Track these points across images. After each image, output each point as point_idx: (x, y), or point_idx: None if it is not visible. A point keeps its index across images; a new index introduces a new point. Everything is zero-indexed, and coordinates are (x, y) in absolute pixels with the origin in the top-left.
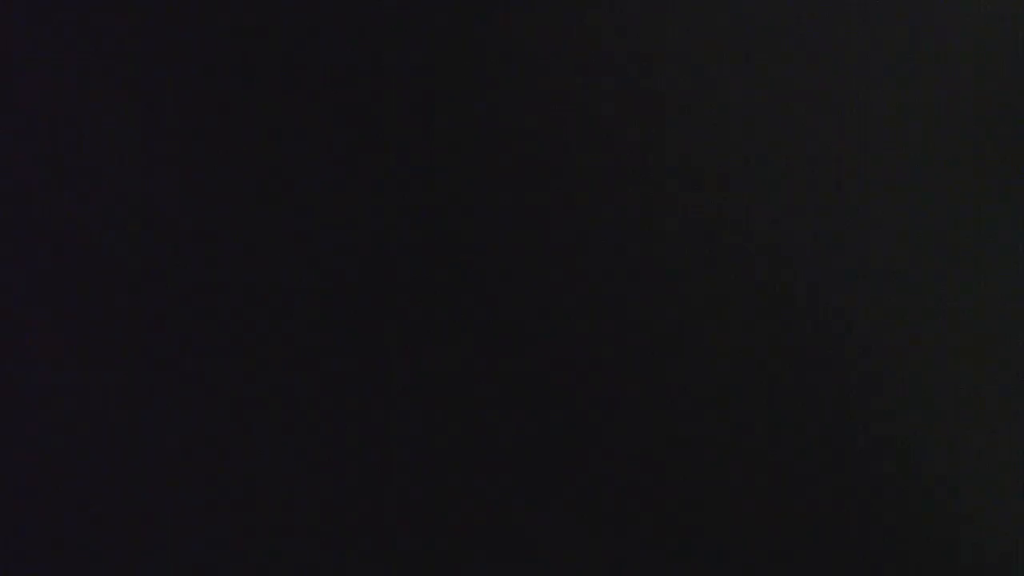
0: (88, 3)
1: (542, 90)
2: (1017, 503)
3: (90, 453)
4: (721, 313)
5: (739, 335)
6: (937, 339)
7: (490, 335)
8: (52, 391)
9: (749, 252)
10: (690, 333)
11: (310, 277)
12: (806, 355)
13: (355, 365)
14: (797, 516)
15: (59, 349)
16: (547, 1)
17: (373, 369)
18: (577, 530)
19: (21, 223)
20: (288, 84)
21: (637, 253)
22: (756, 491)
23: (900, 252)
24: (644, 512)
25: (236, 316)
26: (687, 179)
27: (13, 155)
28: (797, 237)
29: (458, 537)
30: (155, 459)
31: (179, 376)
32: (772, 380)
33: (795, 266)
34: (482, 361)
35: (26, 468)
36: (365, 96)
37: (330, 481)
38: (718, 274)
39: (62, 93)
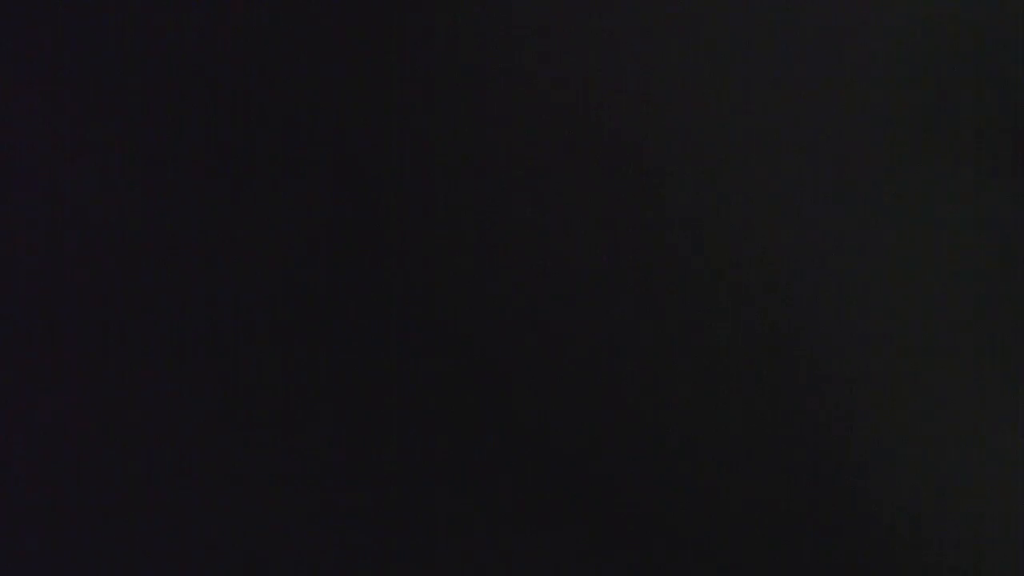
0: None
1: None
2: (1013, 508)
3: (80, 458)
4: (710, 307)
5: (729, 333)
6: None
7: (483, 339)
8: (46, 396)
9: (736, 250)
10: (677, 331)
11: (302, 279)
12: (794, 358)
13: (343, 368)
14: (790, 525)
15: (54, 352)
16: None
17: (359, 372)
18: (558, 537)
19: (14, 225)
20: (274, 83)
21: (616, 250)
22: (748, 495)
23: (887, 249)
24: (626, 517)
25: (226, 317)
26: (673, 178)
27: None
28: (782, 230)
29: (449, 539)
30: (148, 461)
31: (169, 379)
32: (763, 384)
33: (782, 260)
34: (474, 366)
35: (24, 470)
36: (354, 95)
37: (321, 483)
38: (704, 273)
39: (45, 97)
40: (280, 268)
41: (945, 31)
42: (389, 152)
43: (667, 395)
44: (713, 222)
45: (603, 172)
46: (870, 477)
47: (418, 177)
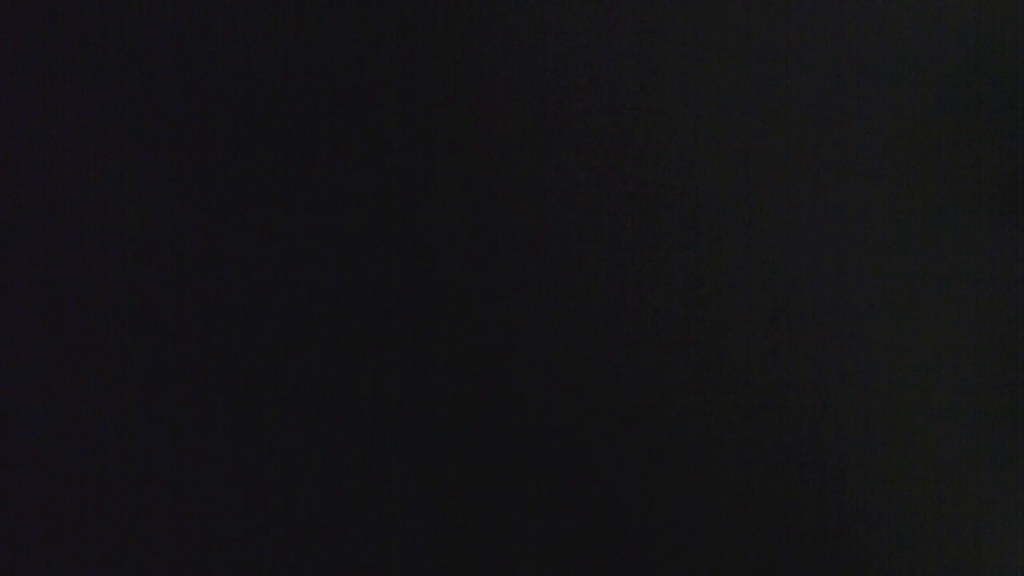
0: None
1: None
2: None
3: (82, 459)
4: (708, 315)
5: (727, 339)
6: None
7: (485, 343)
8: (46, 397)
9: (743, 253)
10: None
11: (304, 281)
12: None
13: (347, 368)
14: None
15: (53, 354)
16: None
17: (363, 371)
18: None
19: (15, 228)
20: (275, 85)
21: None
22: (746, 501)
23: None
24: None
25: (227, 320)
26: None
27: (7, 160)
28: (784, 233)
29: (448, 542)
30: (148, 464)
31: (169, 383)
32: (762, 389)
33: (781, 265)
34: (474, 368)
35: (23, 472)
36: (357, 98)
37: (319, 485)
38: (709, 278)
39: (50, 98)
40: (286, 268)
41: (948, 34)
42: (388, 152)
43: (664, 402)
44: (711, 228)
45: (603, 174)
46: (869, 484)
47: (419, 177)
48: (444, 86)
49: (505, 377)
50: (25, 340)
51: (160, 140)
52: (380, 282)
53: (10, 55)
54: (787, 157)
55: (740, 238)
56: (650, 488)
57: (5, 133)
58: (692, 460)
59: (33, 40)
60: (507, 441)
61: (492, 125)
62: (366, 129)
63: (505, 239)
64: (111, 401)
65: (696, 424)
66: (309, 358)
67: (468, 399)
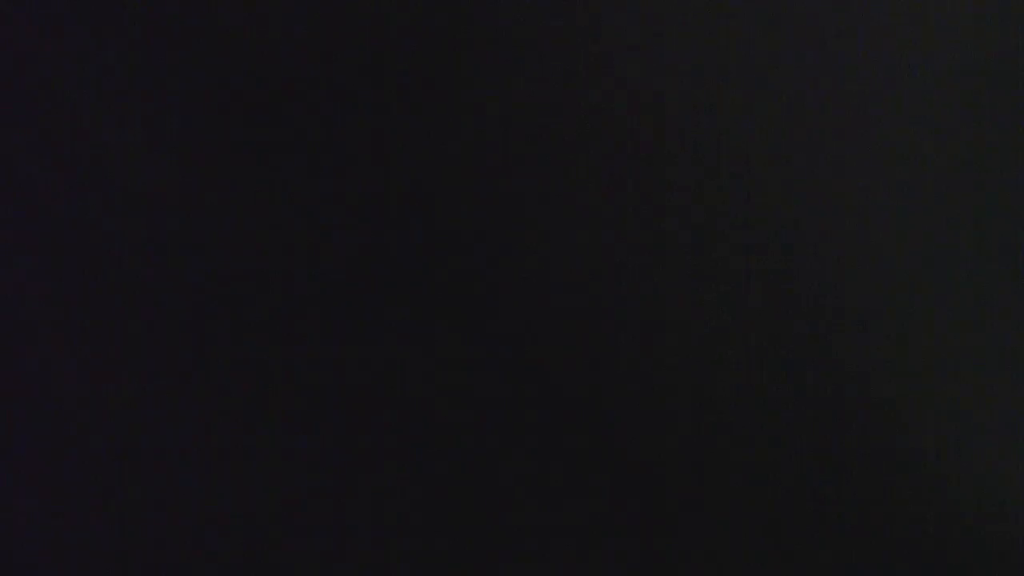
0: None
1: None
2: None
3: (90, 454)
4: (722, 311)
5: (739, 335)
6: (936, 342)
7: (488, 339)
8: (52, 392)
9: (750, 249)
10: (691, 333)
11: (310, 279)
12: (805, 355)
13: (351, 368)
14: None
15: (60, 349)
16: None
17: (369, 372)
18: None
19: (22, 223)
20: (284, 84)
21: (632, 250)
22: (755, 493)
23: (899, 252)
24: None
25: (233, 317)
26: (689, 177)
27: (14, 155)
28: (797, 230)
29: (453, 541)
30: (154, 460)
31: (176, 379)
32: (771, 382)
33: (796, 261)
34: (477, 365)
35: (26, 469)
36: (364, 96)
37: (325, 484)
38: (719, 273)
39: (65, 95)
40: (291, 268)
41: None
42: (396, 152)
43: (690, 379)
44: (731, 211)
45: (615, 169)
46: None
47: (423, 178)
48: (450, 87)
49: (511, 371)
50: (29, 334)
51: (172, 139)
52: (389, 277)
53: (16, 57)
54: (793, 153)
55: (760, 219)
56: (654, 485)
57: (10, 133)
58: (695, 457)
59: (40, 43)
60: (508, 439)
61: (496, 124)
62: (377, 129)
63: (510, 238)
64: (117, 395)
65: (699, 418)
66: (314, 354)
67: (473, 398)
